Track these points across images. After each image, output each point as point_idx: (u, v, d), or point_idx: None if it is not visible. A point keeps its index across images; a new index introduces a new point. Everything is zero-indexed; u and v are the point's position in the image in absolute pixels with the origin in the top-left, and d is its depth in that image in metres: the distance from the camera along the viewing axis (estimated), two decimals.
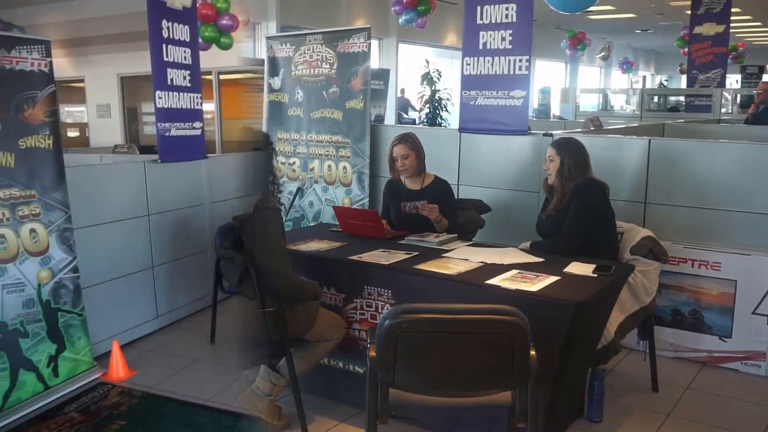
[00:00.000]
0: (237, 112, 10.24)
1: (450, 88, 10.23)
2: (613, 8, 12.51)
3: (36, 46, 3.04)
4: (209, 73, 8.01)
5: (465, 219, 3.40)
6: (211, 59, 6.63)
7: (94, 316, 3.45)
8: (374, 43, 9.79)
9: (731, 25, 7.88)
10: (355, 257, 2.87)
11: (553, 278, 2.45)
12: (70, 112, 10.21)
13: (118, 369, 3.36)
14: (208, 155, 4.43)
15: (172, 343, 3.83)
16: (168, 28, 3.91)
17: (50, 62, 3.10)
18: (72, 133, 10.12)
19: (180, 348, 3.74)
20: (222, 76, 8.37)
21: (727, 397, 3.07)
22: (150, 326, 3.98)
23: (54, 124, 3.14)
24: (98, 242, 3.56)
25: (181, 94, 4.06)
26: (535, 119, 8.72)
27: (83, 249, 3.34)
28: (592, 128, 5.21)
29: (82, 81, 9.21)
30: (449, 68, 11.86)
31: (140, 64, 8.55)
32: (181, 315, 4.25)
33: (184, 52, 4.06)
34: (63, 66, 9.14)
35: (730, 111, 8.37)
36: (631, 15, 13.76)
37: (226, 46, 5.95)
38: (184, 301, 4.30)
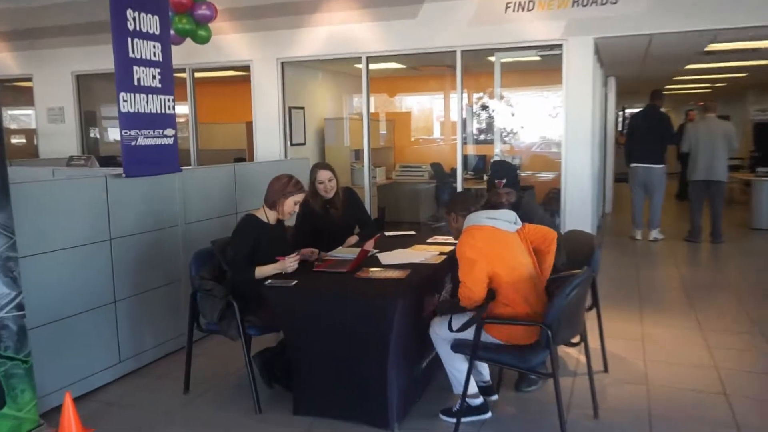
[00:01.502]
0: (216, 116, 10.32)
1: None
2: None
3: None
4: (182, 70, 8.08)
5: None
6: (184, 54, 6.70)
7: (43, 363, 3.41)
8: None
9: None
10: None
11: None
12: (14, 117, 10.28)
13: (71, 427, 3.29)
14: (182, 168, 4.43)
15: (137, 394, 3.78)
16: (134, 18, 3.94)
17: None
18: (17, 141, 10.18)
19: (147, 400, 3.69)
20: (197, 74, 8.44)
21: None
22: (111, 374, 3.94)
23: None
24: (49, 273, 3.53)
25: (150, 96, 4.08)
26: None
27: (30, 282, 3.32)
28: None
29: (29, 80, 9.28)
30: None
31: (100, 60, 8.75)
32: (148, 359, 4.22)
33: (154, 46, 4.09)
34: (6, 62, 9.23)
35: None
36: None
37: (204, 40, 5.97)
38: (153, 343, 4.26)
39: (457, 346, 3.14)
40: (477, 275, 3.05)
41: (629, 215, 8.61)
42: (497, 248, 3.12)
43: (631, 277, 6.33)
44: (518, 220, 3.29)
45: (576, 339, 3.29)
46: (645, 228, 8.38)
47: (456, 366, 3.26)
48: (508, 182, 4.14)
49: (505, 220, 3.22)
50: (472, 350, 3.03)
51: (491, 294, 3.09)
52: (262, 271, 3.48)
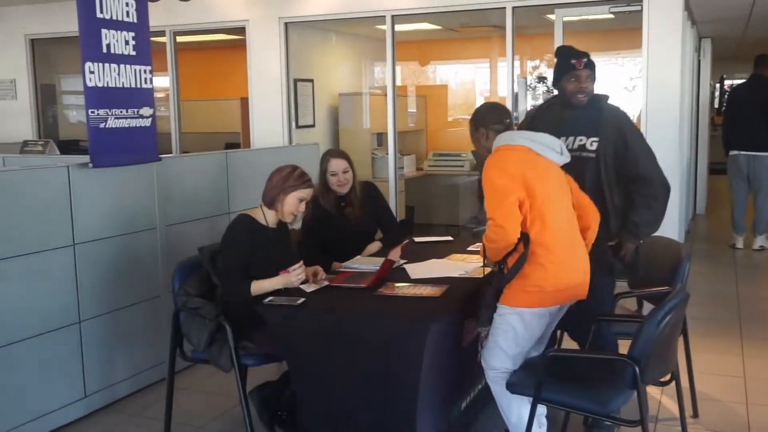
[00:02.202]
0: (203, 91, 10.44)
1: None
2: None
3: None
4: (162, 33, 8.19)
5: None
6: (163, 14, 6.79)
7: None
8: None
9: None
10: None
11: None
12: None
13: None
14: (161, 156, 4.51)
15: None
16: None
17: None
18: None
19: None
20: (180, 39, 8.54)
21: None
22: (75, 411, 4.02)
23: None
24: None
25: (122, 66, 4.15)
26: None
27: None
28: None
29: None
30: None
31: (59, 20, 8.91)
32: (120, 393, 4.29)
33: (127, 4, 4.17)
34: None
35: None
36: None
37: None
38: (126, 373, 4.34)
39: (517, 385, 3.13)
40: (509, 208, 3.04)
41: (728, 217, 8.52)
42: (535, 175, 3.09)
43: (729, 297, 6.27)
44: (565, 150, 3.25)
45: (666, 377, 3.27)
46: (748, 233, 8.28)
47: (512, 410, 3.24)
48: None
49: (547, 145, 3.19)
50: (536, 389, 3.01)
51: (525, 238, 3.07)
52: (259, 286, 3.52)
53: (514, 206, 3.05)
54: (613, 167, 3.59)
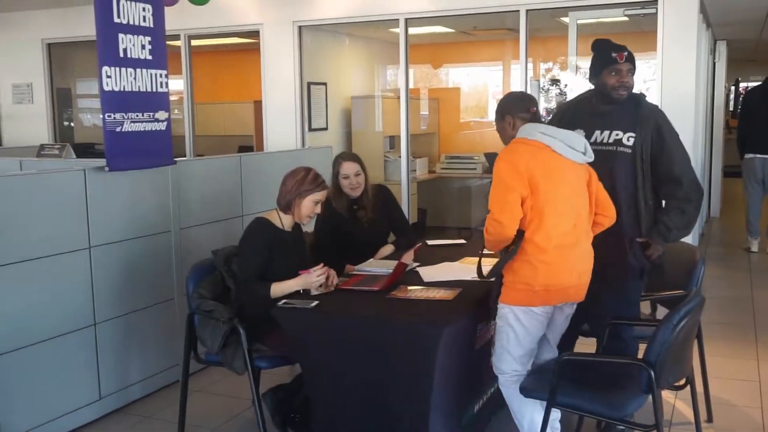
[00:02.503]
0: (217, 94, 10.49)
1: None
2: None
3: None
4: (176, 37, 8.24)
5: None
6: (178, 18, 6.82)
7: (4, 400, 3.52)
8: None
9: None
10: None
11: None
12: None
13: None
14: (176, 159, 4.54)
15: None
16: None
17: None
18: None
19: None
20: (195, 42, 8.59)
21: None
22: (89, 413, 4.04)
23: None
24: (13, 290, 3.63)
25: (138, 71, 4.18)
26: None
27: None
28: None
29: None
30: None
31: (76, 24, 8.97)
32: (134, 396, 4.32)
33: (144, 9, 4.20)
34: None
35: None
36: None
37: (203, 0, 6.12)
38: (140, 376, 4.37)
39: (530, 389, 3.13)
40: (510, 205, 3.04)
41: (742, 220, 8.46)
42: (543, 173, 3.07)
43: (743, 301, 6.23)
44: (589, 150, 3.20)
45: (681, 381, 3.26)
46: (763, 237, 8.23)
47: (524, 414, 3.24)
48: None
49: (569, 143, 3.14)
50: (549, 393, 3.01)
51: (520, 234, 3.07)
52: (280, 288, 3.54)
53: (516, 203, 3.05)
54: (649, 164, 3.52)
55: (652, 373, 2.80)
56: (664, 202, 3.62)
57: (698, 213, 3.63)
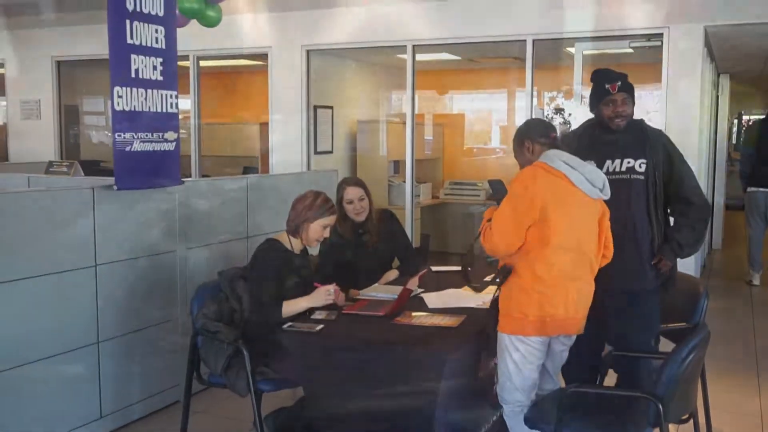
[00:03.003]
0: (223, 114, 10.54)
1: None
2: None
3: None
4: (185, 57, 8.30)
5: None
6: (188, 39, 6.87)
7: (6, 416, 3.52)
8: None
9: None
10: None
11: None
12: None
13: None
14: (183, 179, 4.57)
15: None
16: None
17: None
18: None
19: None
20: (204, 63, 8.66)
21: None
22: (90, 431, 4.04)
23: None
24: (18, 306, 3.64)
25: (149, 91, 4.22)
26: None
27: None
28: None
29: (0, 65, 9.64)
30: None
31: (85, 43, 9.03)
32: (135, 415, 4.31)
33: (156, 31, 4.24)
34: None
35: None
36: None
37: (213, 21, 6.15)
38: (142, 395, 4.36)
39: (534, 420, 3.11)
40: (512, 228, 3.08)
41: (744, 253, 8.47)
42: (556, 205, 3.08)
43: (745, 334, 6.22)
44: (607, 187, 3.20)
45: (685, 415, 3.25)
46: (765, 270, 8.22)
47: None
48: None
49: (588, 178, 3.14)
50: (555, 425, 2.99)
51: (507, 272, 3.14)
52: (291, 307, 3.56)
53: (519, 229, 3.08)
54: (661, 188, 3.58)
55: (661, 407, 2.81)
56: (672, 219, 3.69)
57: (707, 229, 3.74)
